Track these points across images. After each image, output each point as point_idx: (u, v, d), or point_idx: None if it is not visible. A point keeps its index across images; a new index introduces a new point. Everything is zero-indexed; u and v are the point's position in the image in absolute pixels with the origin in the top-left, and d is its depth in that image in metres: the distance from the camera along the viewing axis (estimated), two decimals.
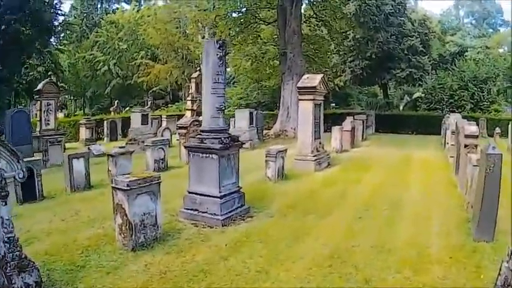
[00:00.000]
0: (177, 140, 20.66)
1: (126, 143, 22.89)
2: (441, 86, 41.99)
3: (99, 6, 72.54)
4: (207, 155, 9.74)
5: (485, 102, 39.63)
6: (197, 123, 18.74)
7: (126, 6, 70.88)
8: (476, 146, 11.78)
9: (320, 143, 17.39)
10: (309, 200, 11.66)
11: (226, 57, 39.64)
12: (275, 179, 13.92)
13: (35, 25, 35.66)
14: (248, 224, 9.57)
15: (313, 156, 16.41)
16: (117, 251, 7.67)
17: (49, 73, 42.24)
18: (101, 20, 64.50)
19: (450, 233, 8.75)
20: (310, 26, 35.86)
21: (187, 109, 38.89)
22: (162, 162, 17.01)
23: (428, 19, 54.70)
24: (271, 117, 35.55)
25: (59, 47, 51.03)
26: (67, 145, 23.77)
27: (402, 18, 47.10)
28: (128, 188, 7.60)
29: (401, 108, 53.40)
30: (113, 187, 7.95)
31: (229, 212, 9.81)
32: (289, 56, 29.04)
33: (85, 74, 58.23)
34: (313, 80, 16.58)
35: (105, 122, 31.35)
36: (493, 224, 8.03)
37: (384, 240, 8.30)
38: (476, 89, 39.97)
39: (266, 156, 14.01)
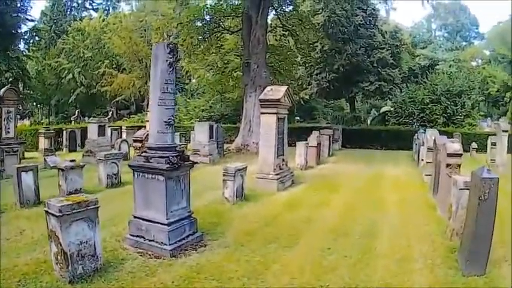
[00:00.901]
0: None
1: (83, 155, 22.37)
2: (412, 99, 41.11)
3: (68, 13, 71.37)
4: (153, 176, 8.56)
5: (459, 116, 38.77)
6: None
7: (94, 14, 70.59)
8: (459, 165, 10.89)
9: (283, 160, 16.21)
10: (270, 226, 10.46)
11: (185, 65, 38.62)
12: (233, 200, 12.65)
13: None
14: (200, 255, 8.34)
15: (276, 174, 15.20)
16: (55, 282, 6.74)
17: (14, 80, 42.77)
18: (68, 27, 63.63)
19: (435, 267, 7.62)
20: (276, 36, 34.75)
21: (147, 121, 37.59)
22: (116, 178, 15.91)
23: (400, 31, 54.35)
24: (234, 131, 34.36)
25: (27, 53, 50.55)
26: (27, 154, 24.01)
27: (373, 30, 46.54)
28: (61, 213, 6.54)
29: (369, 122, 52.78)
30: (45, 211, 6.88)
31: (179, 240, 8.63)
32: (253, 67, 27.71)
33: (50, 82, 57.63)
34: (277, 92, 15.39)
35: (64, 132, 30.61)
36: (486, 256, 7.07)
37: (358, 279, 7.16)
38: (449, 102, 39.13)
39: (224, 175, 12.73)
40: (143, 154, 8.89)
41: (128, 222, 9.01)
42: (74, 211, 6.75)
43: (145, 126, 37.01)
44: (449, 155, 11.11)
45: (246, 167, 13.40)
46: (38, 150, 27.12)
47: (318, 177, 18.37)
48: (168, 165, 8.31)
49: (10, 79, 42.32)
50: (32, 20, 49.66)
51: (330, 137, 27.56)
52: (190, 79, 51.42)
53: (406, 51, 56.49)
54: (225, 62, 35.80)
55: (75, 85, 56.16)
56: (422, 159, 18.95)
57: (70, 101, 56.39)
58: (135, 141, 17.98)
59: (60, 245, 6.64)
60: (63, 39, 59.15)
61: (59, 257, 6.78)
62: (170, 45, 8.70)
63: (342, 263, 7.90)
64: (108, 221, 9.92)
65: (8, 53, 42.48)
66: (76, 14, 72.26)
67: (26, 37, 52.05)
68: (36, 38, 57.71)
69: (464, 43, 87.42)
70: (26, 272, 7.06)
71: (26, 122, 55.41)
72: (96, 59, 56.82)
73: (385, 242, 9.26)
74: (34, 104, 60.81)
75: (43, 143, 26.86)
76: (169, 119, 8.70)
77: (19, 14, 44.91)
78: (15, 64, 44.32)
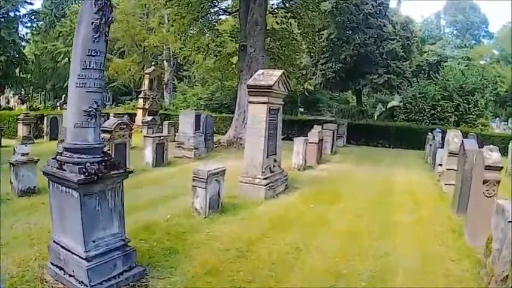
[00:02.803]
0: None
1: (57, 145, 19.32)
2: (422, 95, 38.17)
3: None
4: (67, 190, 5.98)
5: (471, 115, 36.02)
6: (124, 126, 15.14)
7: None
8: (498, 182, 8.22)
9: (275, 161, 13.33)
10: (244, 258, 7.65)
11: (177, 50, 35.77)
12: (205, 212, 9.86)
13: None
14: None
15: (264, 178, 12.34)
16: None
17: (10, 63, 42.62)
18: (68, 10, 61.34)
19: None
20: (277, 19, 31.57)
21: (138, 107, 35.54)
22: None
23: (411, 22, 51.86)
24: (231, 121, 31.61)
25: (27, 37, 49.40)
26: (5, 142, 23.44)
27: (383, 20, 43.68)
28: None
29: (375, 117, 50.00)
30: None
31: (107, 280, 6.12)
32: (249, 51, 24.45)
33: (46, 66, 56.41)
34: (270, 77, 12.53)
35: (45, 118, 28.03)
36: None
37: None
38: (461, 100, 36.40)
39: (194, 180, 9.95)
40: (58, 157, 6.23)
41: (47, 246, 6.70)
42: None
43: (135, 114, 34.89)
44: (488, 168, 8.41)
45: (223, 170, 10.52)
46: (17, 137, 25.58)
47: (317, 182, 15.42)
48: (83, 176, 5.71)
49: (6, 63, 41.71)
50: (31, 3, 48.19)
51: (333, 133, 24.69)
52: (191, 66, 48.81)
53: (415, 46, 53.80)
54: (219, 44, 32.55)
55: None
56: (440, 164, 15.99)
57: (65, 85, 53.91)
58: (103, 131, 15.15)
59: None
60: (61, 23, 57.10)
61: None
62: (99, 1, 5.92)
63: None
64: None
65: (3, 36, 41.18)
66: None
67: (24, 20, 50.42)
68: (37, 22, 56.34)
69: (473, 41, 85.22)
70: None
71: (22, 106, 53.73)
72: None
73: None
74: (31, 88, 59.00)
75: (21, 130, 25.55)
76: (90, 108, 5.96)
77: None
78: (11, 47, 42.90)
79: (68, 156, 6.01)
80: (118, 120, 15.52)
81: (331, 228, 9.74)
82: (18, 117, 26.16)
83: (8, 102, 57.56)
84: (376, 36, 42.66)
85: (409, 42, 47.35)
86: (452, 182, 12.57)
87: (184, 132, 20.47)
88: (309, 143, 18.66)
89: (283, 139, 14.40)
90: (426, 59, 63.68)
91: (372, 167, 20.13)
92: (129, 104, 51.12)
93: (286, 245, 8.34)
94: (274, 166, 13.14)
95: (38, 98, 61.72)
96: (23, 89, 58.57)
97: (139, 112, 34.67)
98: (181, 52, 39.79)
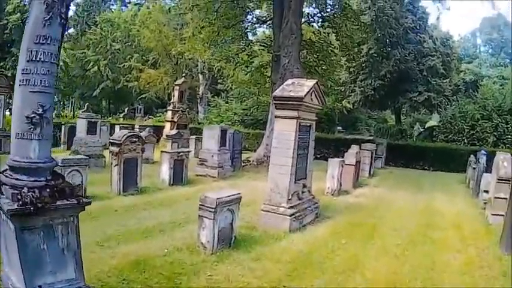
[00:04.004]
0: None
1: (69, 155, 17.79)
2: (462, 114, 36.81)
3: (103, 4, 69.80)
4: (4, 219, 4.54)
5: (510, 136, 34.13)
6: (135, 139, 13.41)
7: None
8: None
9: (305, 186, 11.42)
10: None
11: (205, 58, 34.10)
12: (213, 247, 8.04)
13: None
14: None
15: (290, 207, 10.43)
16: None
17: None
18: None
19: None
20: (313, 27, 29.60)
21: (166, 120, 33.96)
22: (78, 191, 11.32)
23: (451, 38, 49.65)
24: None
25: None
26: None
27: (423, 35, 41.55)
28: None
29: (414, 137, 47.87)
30: None
31: None
32: (283, 62, 22.39)
33: (74, 74, 55.64)
34: (301, 87, 10.62)
35: (63, 127, 27.04)
36: None
37: None
38: (500, 119, 34.66)
39: (200, 209, 8.14)
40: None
41: None
42: None
43: (163, 127, 33.49)
44: None
45: (238, 198, 8.68)
46: None
47: (352, 210, 13.46)
48: (15, 206, 4.14)
49: None
50: None
51: (372, 153, 22.74)
52: (225, 79, 47.42)
53: (454, 63, 51.69)
54: (249, 54, 30.65)
55: (101, 78, 53.89)
56: (486, 191, 14.05)
57: (94, 94, 53.36)
58: (111, 144, 13.52)
59: None
60: (91, 31, 56.65)
61: None
62: None
63: None
64: None
65: None
66: (112, 4, 69.98)
67: None
68: (68, 29, 56.06)
69: (507, 60, 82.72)
70: None
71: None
72: (125, 52, 54.25)
73: None
74: (60, 96, 58.55)
75: None
76: (34, 113, 4.28)
77: None
78: None
79: (8, 176, 4.43)
80: (128, 132, 13.81)
81: (366, 274, 7.76)
82: None
83: None
84: (415, 52, 40.59)
85: (448, 58, 45.17)
86: (501, 212, 10.97)
87: (208, 148, 18.85)
88: (345, 164, 16.79)
89: (318, 158, 12.55)
90: (463, 78, 61.63)
91: (411, 192, 18.13)
92: (160, 116, 50.10)
93: None
94: (303, 192, 11.22)
95: (68, 106, 61.15)
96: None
97: (168, 125, 33.21)
98: (209, 60, 38.47)
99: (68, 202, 4.63)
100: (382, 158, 28.40)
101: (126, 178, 13.33)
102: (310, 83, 10.89)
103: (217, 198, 7.92)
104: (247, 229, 9.84)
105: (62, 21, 4.50)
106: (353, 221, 11.79)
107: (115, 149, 13.19)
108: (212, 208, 7.88)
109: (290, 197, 10.45)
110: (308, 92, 10.43)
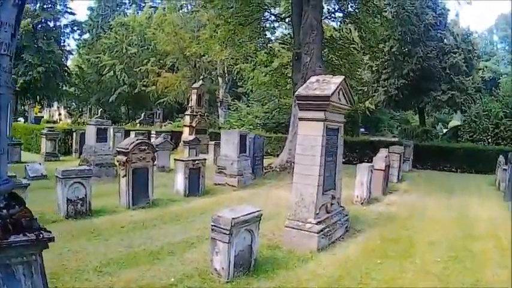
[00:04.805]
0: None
1: (79, 164, 17.53)
2: (486, 113, 35.51)
3: (118, 8, 70.21)
4: None
5: None
6: (145, 147, 12.20)
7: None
8: None
9: (334, 197, 10.06)
10: None
11: (224, 58, 32.97)
12: (228, 274, 6.82)
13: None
14: None
15: (318, 223, 9.08)
16: None
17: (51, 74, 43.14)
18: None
19: None
20: (335, 23, 28.35)
21: (185, 125, 32.93)
22: (82, 204, 11.03)
23: (472, 34, 48.80)
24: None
25: (66, 48, 49.46)
26: (26, 157, 21.92)
27: (444, 32, 40.92)
28: None
29: (439, 138, 46.54)
30: None
31: None
32: (305, 60, 21.07)
33: (89, 79, 55.35)
34: (327, 84, 9.30)
35: (74, 134, 26.11)
36: None
37: None
38: None
39: (212, 230, 6.92)
40: None
41: None
42: None
43: (182, 132, 32.46)
44: None
45: (258, 216, 7.46)
46: (41, 153, 23.84)
47: (384, 221, 12.14)
48: None
49: (45, 74, 41.97)
50: (72, 13, 47.41)
51: (400, 156, 21.36)
52: (245, 82, 46.36)
53: (475, 59, 50.33)
54: (268, 52, 29.27)
55: (117, 83, 53.33)
56: None
57: (111, 100, 52.52)
58: (118, 152, 12.30)
59: None
60: (106, 35, 56.39)
61: None
62: None
63: None
64: None
65: (40, 46, 40.20)
66: (127, 8, 69.45)
67: (66, 31, 49.65)
68: (81, 33, 55.89)
69: None
70: None
71: (67, 120, 52.57)
72: (141, 56, 53.68)
73: None
74: (75, 102, 58.15)
75: (45, 145, 23.61)
76: None
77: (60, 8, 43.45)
78: (50, 58, 42.99)
79: None
80: (136, 140, 12.56)
81: None
82: (42, 131, 24.22)
83: (60, 114, 56.58)
84: (437, 49, 39.73)
85: (470, 55, 44.03)
86: None
87: (227, 155, 17.60)
88: (376, 169, 15.47)
89: (343, 163, 11.18)
90: (482, 76, 60.17)
91: (443, 198, 16.82)
92: (179, 121, 49.18)
93: None
94: (332, 204, 9.87)
95: (86, 113, 60.55)
96: (67, 102, 57.83)
97: (186, 130, 32.17)
98: (227, 61, 37.53)
99: (24, 238, 3.42)
100: (410, 161, 26.98)
101: (136, 190, 12.09)
102: (337, 79, 9.53)
103: (233, 218, 6.66)
104: (269, 249, 8.66)
105: (17, 1, 3.34)
106: (386, 235, 10.53)
107: (122, 158, 12.00)
108: (227, 230, 6.63)
109: (318, 211, 9.11)
110: (335, 90, 9.11)
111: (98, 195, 12.31)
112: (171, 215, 11.48)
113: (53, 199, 11.09)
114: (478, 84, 47.77)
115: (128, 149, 11.92)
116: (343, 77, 9.87)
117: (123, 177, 11.97)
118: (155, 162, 13.79)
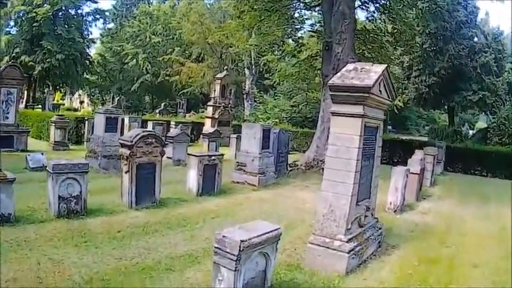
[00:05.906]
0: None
1: (86, 156, 16.66)
2: None
3: None
4: None
5: None
6: (152, 140, 10.81)
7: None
8: None
9: (368, 209, 8.43)
10: None
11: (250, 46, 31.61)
12: None
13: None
14: None
15: (349, 240, 7.51)
16: None
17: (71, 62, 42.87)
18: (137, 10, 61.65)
19: None
20: (367, 13, 26.71)
21: (207, 117, 31.69)
22: (76, 203, 9.73)
23: (501, 34, 47.91)
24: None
25: (88, 36, 49.95)
26: (34, 146, 21.15)
27: (474, 30, 40.20)
28: None
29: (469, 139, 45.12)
30: None
31: None
32: (336, 51, 19.40)
33: (111, 68, 54.28)
34: (367, 73, 7.60)
35: (86, 122, 24.76)
36: None
37: None
38: None
39: (215, 253, 5.36)
40: None
41: None
42: None
43: (203, 123, 31.42)
44: None
45: (277, 236, 5.92)
46: (49, 142, 22.63)
47: (420, 236, 10.49)
48: None
49: (65, 61, 41.67)
50: (95, 1, 46.91)
51: (434, 158, 19.80)
52: (272, 73, 45.17)
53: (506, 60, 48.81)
54: (296, 40, 27.83)
55: (140, 72, 52.88)
56: None
57: (133, 88, 51.66)
58: (122, 145, 10.85)
59: None
60: (129, 24, 56.44)
61: None
62: None
63: None
64: None
65: (60, 33, 41.41)
66: None
67: (88, 19, 49.13)
68: (105, 22, 56.92)
69: None
70: None
71: (88, 108, 51.98)
72: (166, 45, 53.40)
73: None
74: (97, 90, 57.76)
75: (53, 134, 22.37)
76: None
77: None
78: (70, 46, 42.60)
79: None
80: (142, 132, 11.07)
81: None
82: (51, 119, 22.97)
83: (82, 102, 55.96)
84: (468, 47, 38.90)
85: (500, 55, 43.47)
86: None
87: (247, 150, 16.07)
88: (410, 173, 13.92)
89: None
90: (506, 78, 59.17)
91: (480, 206, 15.32)
92: (203, 112, 47.93)
93: None
94: (365, 217, 8.22)
95: (109, 101, 59.91)
96: (90, 90, 57.45)
97: (207, 122, 30.95)
98: (254, 50, 36.26)
99: None
100: (442, 163, 25.45)
101: (140, 188, 10.64)
102: (378, 68, 7.86)
103: (242, 241, 5.11)
104: (288, 269, 7.18)
105: None
106: (424, 253, 8.98)
107: (125, 151, 10.56)
108: (233, 255, 5.09)
109: (349, 226, 7.49)
110: (377, 80, 7.47)
111: (99, 191, 11.28)
112: (178, 219, 10.02)
113: (38, 195, 10.18)
114: (508, 85, 46.44)
115: (132, 141, 10.46)
116: (385, 65, 8.23)
117: (125, 173, 10.54)
118: (171, 156, 12.33)
